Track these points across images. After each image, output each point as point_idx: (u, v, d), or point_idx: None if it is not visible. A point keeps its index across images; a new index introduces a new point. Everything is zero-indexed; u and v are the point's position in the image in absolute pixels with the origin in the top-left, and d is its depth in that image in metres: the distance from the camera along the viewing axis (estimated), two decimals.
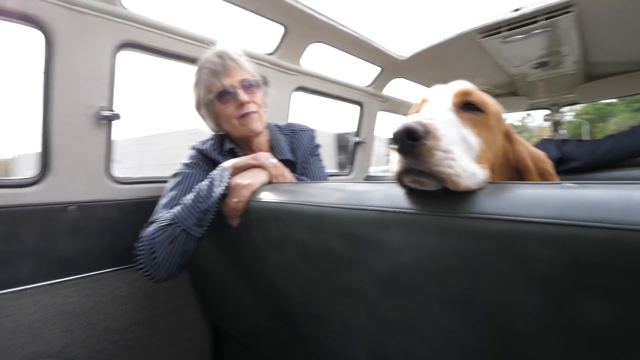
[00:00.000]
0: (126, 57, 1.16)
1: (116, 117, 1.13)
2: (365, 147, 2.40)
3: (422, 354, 0.57)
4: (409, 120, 0.46)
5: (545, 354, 0.43)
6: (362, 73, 2.16)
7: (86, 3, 0.98)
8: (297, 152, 1.17)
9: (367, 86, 2.18)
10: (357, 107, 2.28)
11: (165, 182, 1.32)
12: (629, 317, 0.35)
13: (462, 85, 0.61)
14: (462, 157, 0.48)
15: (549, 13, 1.46)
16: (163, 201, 0.98)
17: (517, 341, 0.45)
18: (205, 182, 0.88)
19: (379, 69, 2.09)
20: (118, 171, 1.21)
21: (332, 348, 0.78)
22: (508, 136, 0.66)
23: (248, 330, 1.13)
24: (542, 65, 2.11)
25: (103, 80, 1.08)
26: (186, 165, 1.05)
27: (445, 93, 0.60)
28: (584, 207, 0.37)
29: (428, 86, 2.22)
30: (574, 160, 1.43)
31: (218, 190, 0.84)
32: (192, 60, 1.30)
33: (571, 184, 0.42)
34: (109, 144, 1.16)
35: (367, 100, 2.25)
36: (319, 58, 1.88)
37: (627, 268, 0.34)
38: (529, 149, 0.67)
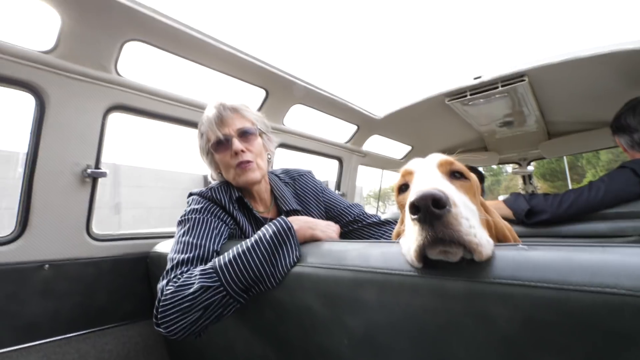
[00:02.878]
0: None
1: (102, 174, 1.15)
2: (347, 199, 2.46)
3: None
4: (425, 187, 0.44)
5: None
6: (340, 130, 2.29)
7: (82, 71, 1.05)
8: (302, 198, 1.15)
9: (346, 142, 2.30)
10: (337, 162, 2.38)
11: (147, 238, 1.32)
12: None
13: (441, 156, 0.63)
14: (475, 224, 0.46)
15: (505, 81, 1.64)
16: (176, 247, 0.85)
17: None
18: (265, 241, 0.72)
19: (355, 127, 2.22)
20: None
21: None
22: (483, 205, 0.67)
23: None
24: (507, 124, 2.30)
25: (92, 140, 1.12)
26: (196, 210, 0.94)
27: (430, 164, 0.60)
28: (532, 268, 0.41)
29: (404, 142, 2.34)
30: (542, 212, 1.50)
31: (287, 262, 0.70)
32: (179, 121, 1.37)
33: (523, 246, 0.46)
34: (92, 200, 1.17)
35: (346, 156, 2.35)
36: (301, 117, 2.00)
37: (574, 325, 0.37)
38: (503, 221, 0.69)
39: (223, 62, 1.33)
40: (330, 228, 0.84)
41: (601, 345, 0.36)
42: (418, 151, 2.76)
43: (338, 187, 2.42)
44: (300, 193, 1.16)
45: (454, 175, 0.59)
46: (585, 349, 0.37)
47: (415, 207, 0.44)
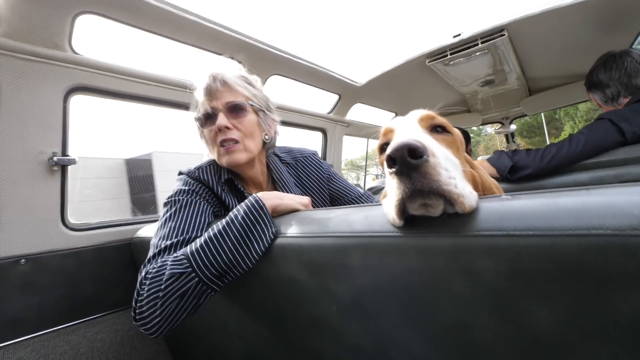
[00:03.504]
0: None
1: (71, 162, 1.09)
2: None
3: None
4: (402, 139, 0.42)
5: None
6: (322, 101, 2.23)
7: (33, 51, 0.96)
8: (304, 181, 1.08)
9: (329, 113, 2.25)
10: (321, 134, 2.34)
11: (127, 224, 1.28)
12: (572, 318, 0.37)
13: (422, 111, 0.61)
14: (456, 176, 0.44)
15: (485, 37, 1.60)
16: (161, 233, 0.80)
17: (478, 353, 0.46)
18: (237, 223, 0.68)
19: (337, 97, 2.17)
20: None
21: None
22: (468, 161, 0.66)
23: None
24: (488, 83, 2.28)
25: (54, 126, 1.05)
26: (182, 192, 0.89)
27: (411, 119, 0.59)
28: (516, 217, 0.40)
29: (387, 109, 2.32)
30: (525, 168, 1.52)
31: (262, 243, 0.66)
32: (149, 100, 1.30)
33: (507, 196, 0.45)
34: (63, 189, 1.11)
35: (330, 126, 2.31)
36: (281, 89, 1.93)
37: (560, 271, 0.36)
38: (490, 177, 0.68)
39: (188, 33, 1.24)
40: (300, 198, 0.79)
41: (589, 289, 0.35)
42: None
43: (324, 159, 2.38)
44: (303, 175, 1.10)
45: (436, 129, 0.57)
46: (574, 294, 0.36)
47: (391, 160, 0.41)
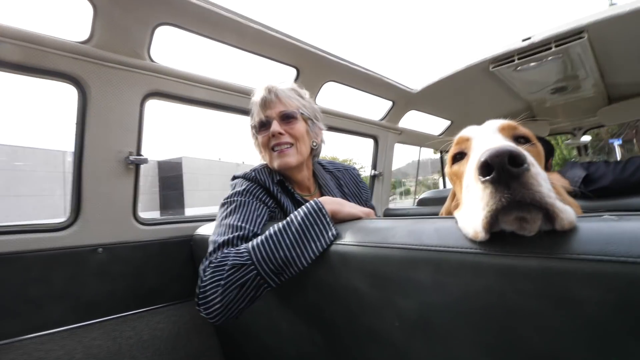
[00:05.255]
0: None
1: (144, 161, 1.19)
2: (383, 180, 2.39)
3: None
4: (498, 145, 0.38)
5: None
6: (374, 108, 2.20)
7: (117, 59, 1.06)
8: (344, 190, 1.16)
9: (381, 119, 2.21)
10: (372, 141, 2.31)
11: (190, 222, 1.36)
12: None
13: (502, 120, 0.57)
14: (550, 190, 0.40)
15: (559, 40, 1.47)
16: (218, 230, 0.85)
17: None
18: (296, 223, 0.72)
19: (390, 103, 2.13)
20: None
21: None
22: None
23: None
24: (559, 90, 2.10)
25: (132, 127, 1.15)
26: (239, 193, 0.94)
27: (490, 128, 0.55)
28: (629, 241, 0.35)
29: (443, 117, 2.22)
30: (602, 178, 1.34)
31: (319, 243, 0.68)
32: (214, 106, 1.37)
33: (611, 216, 0.39)
34: (136, 186, 1.21)
35: (382, 134, 2.27)
36: (333, 95, 1.94)
37: None
38: (569, 197, 0.60)
39: (253, 41, 1.29)
40: (363, 208, 0.80)
41: None
42: (458, 126, 2.58)
43: (374, 166, 2.35)
44: (344, 185, 1.17)
45: (518, 140, 0.53)
46: None
47: (487, 167, 0.38)
